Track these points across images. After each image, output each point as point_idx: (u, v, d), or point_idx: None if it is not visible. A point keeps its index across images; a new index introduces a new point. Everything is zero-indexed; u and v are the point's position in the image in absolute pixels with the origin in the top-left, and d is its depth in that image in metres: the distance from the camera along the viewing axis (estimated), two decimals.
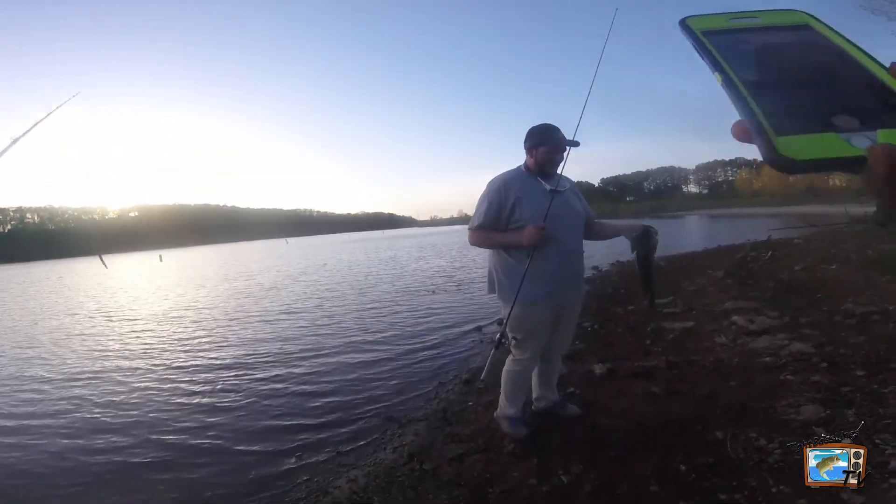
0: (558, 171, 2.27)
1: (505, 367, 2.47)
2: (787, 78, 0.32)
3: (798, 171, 0.27)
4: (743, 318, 4.10)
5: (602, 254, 10.39)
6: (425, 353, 5.06)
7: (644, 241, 2.09)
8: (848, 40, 0.33)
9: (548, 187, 2.22)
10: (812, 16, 0.34)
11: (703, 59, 0.33)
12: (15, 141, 1.36)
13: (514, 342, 2.37)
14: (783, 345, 3.34)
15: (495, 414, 2.61)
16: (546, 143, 2.22)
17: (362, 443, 3.04)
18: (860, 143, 0.27)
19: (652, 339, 4.00)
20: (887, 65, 0.31)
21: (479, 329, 5.84)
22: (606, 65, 2.26)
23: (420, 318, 7.01)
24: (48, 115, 1.53)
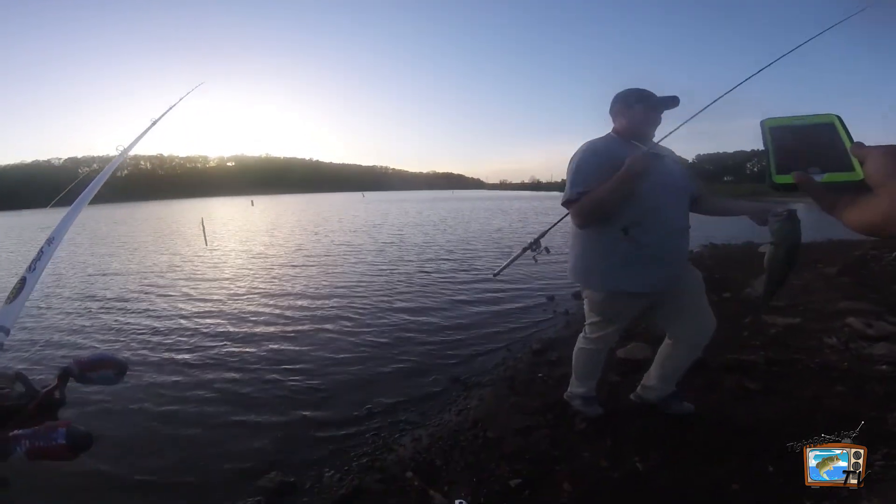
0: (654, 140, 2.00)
1: (577, 345, 2.33)
2: (799, 147, 0.50)
3: (779, 190, 0.48)
4: (860, 321, 3.59)
5: (694, 235, 9.62)
6: (494, 319, 4.96)
7: (793, 228, 1.48)
8: (845, 129, 0.49)
9: (645, 149, 1.92)
10: (838, 117, 0.50)
11: (762, 139, 0.51)
12: (154, 122, 1.66)
13: (589, 322, 2.22)
14: None
15: (566, 394, 2.49)
16: (643, 101, 1.95)
17: (428, 402, 3.03)
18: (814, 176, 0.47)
19: (750, 332, 3.62)
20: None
21: (551, 299, 5.64)
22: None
23: (491, 283, 6.78)
24: (180, 100, 1.86)
